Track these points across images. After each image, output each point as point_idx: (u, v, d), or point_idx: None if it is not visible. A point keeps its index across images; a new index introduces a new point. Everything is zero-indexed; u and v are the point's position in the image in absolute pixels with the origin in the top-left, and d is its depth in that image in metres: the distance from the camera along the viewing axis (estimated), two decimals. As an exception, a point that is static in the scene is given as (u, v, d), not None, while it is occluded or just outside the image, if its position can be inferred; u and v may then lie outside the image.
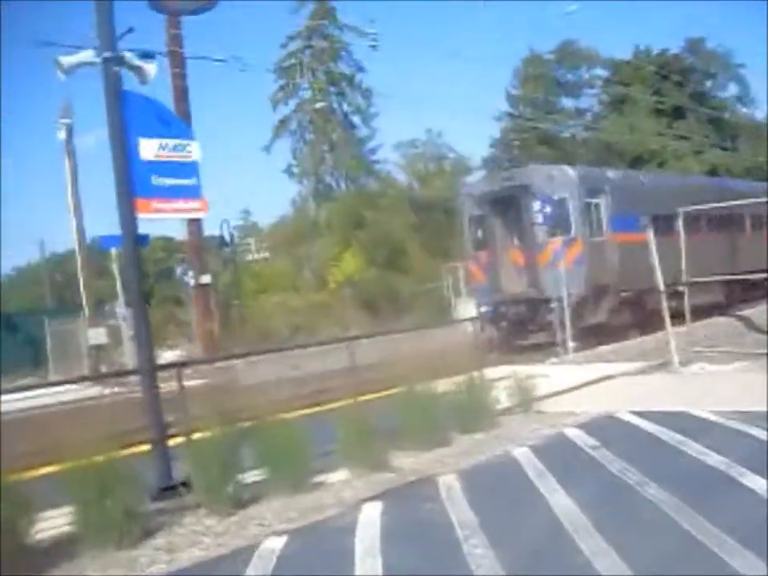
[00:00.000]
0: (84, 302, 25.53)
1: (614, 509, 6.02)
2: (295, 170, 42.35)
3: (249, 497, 7.17)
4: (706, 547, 5.00)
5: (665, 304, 13.18)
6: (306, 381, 14.49)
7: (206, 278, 23.87)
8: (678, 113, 51.90)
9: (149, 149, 7.87)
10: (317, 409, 10.70)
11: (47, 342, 26.37)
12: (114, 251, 24.91)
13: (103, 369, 23.28)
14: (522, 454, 7.90)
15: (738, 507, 5.76)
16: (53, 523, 6.44)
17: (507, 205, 20.25)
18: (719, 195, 21.57)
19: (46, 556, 6.01)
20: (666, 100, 49.81)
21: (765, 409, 8.51)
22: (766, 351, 12.87)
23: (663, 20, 72.91)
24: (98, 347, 24.37)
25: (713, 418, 8.70)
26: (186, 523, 6.67)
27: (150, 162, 7.87)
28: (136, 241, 7.71)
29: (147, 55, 8.22)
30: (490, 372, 10.80)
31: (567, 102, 56.58)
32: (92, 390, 16.13)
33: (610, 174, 23.11)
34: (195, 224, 23.28)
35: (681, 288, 13.91)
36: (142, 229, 7.88)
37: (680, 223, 14.05)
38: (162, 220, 8.59)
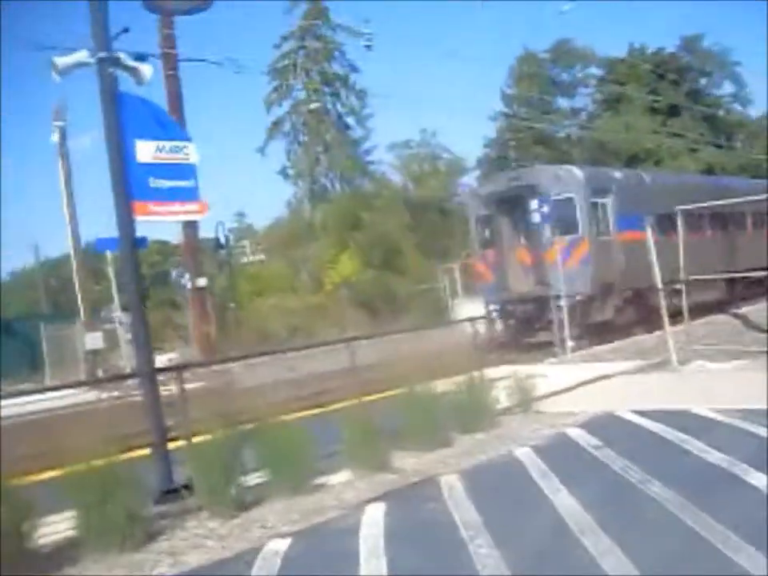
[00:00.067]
0: (80, 307, 25.44)
1: (619, 508, 6.01)
2: (290, 171, 42.35)
3: (251, 499, 7.14)
4: (710, 544, 5.00)
5: (663, 302, 13.17)
6: (304, 383, 14.47)
7: (202, 281, 23.82)
8: (673, 111, 52.00)
9: (146, 151, 7.84)
10: (316, 411, 10.67)
11: (43, 347, 26.29)
12: (109, 255, 24.91)
13: (100, 373, 23.21)
14: (524, 454, 7.89)
15: (742, 504, 5.75)
16: (55, 528, 6.41)
17: (514, 205, 20.40)
18: (720, 194, 21.70)
19: (49, 560, 5.98)
20: (662, 98, 49.91)
21: (765, 407, 8.51)
22: (765, 350, 12.91)
23: (659, 18, 73.20)
24: (95, 352, 24.29)
25: (713, 416, 8.69)
26: (189, 526, 6.64)
27: (147, 165, 7.83)
28: (134, 243, 7.67)
29: (141, 57, 8.18)
30: (489, 372, 10.77)
31: (562, 102, 56.72)
32: (89, 395, 16.06)
33: (616, 174, 23.37)
34: (191, 227, 23.24)
35: (679, 286, 13.89)
36: (136, 232, 7.84)
37: (678, 222, 14.06)
38: (157, 223, 8.52)
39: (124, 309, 25.60)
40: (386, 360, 10.20)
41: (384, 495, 7.02)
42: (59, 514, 6.54)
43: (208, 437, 7.29)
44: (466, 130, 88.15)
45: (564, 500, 6.21)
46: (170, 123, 8.46)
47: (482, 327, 12.14)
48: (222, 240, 32.06)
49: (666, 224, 16.37)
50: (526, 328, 19.78)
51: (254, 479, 7.39)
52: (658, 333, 15.72)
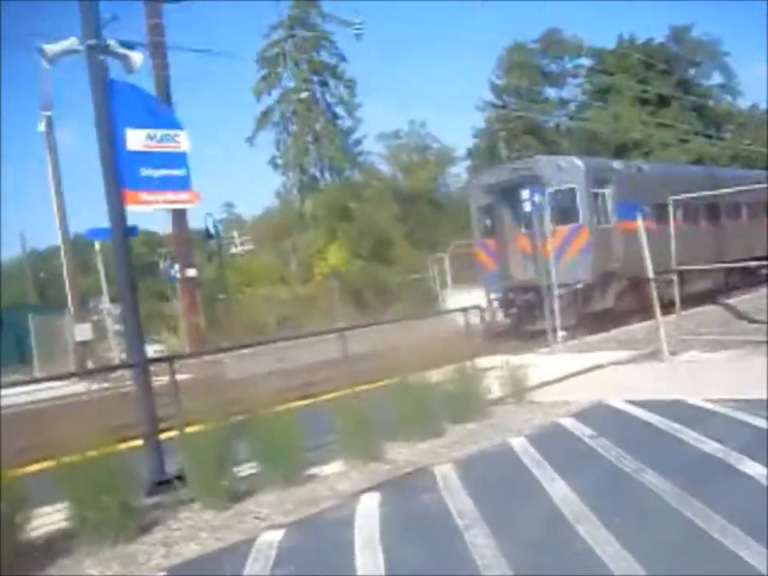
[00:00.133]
0: (69, 298, 25.26)
1: (613, 496, 6.01)
2: (279, 161, 42.13)
3: (244, 490, 7.10)
4: (706, 533, 5.00)
5: (654, 293, 13.18)
6: (295, 373, 14.40)
7: (191, 272, 23.68)
8: (662, 101, 52.06)
9: (136, 139, 7.75)
10: (309, 401, 10.63)
11: (32, 339, 26.12)
12: (97, 246, 24.75)
13: (89, 364, 23.07)
14: (518, 443, 7.87)
15: (737, 493, 5.76)
16: (48, 519, 6.35)
17: (516, 194, 20.46)
18: (717, 184, 22.10)
19: (43, 552, 5.93)
20: (651, 89, 49.95)
21: (756, 396, 8.54)
22: (759, 340, 12.96)
23: (648, 8, 73.17)
24: (84, 343, 24.15)
25: (705, 405, 8.71)
26: (183, 518, 6.60)
27: (138, 153, 7.75)
28: (125, 232, 7.60)
29: (129, 45, 8.09)
30: (480, 362, 10.75)
31: (551, 92, 56.71)
32: (79, 386, 15.96)
33: (615, 164, 23.72)
34: (180, 217, 23.10)
35: (671, 276, 13.92)
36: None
37: (670, 211, 14.08)
38: (144, 213, 8.44)
39: (112, 300, 25.49)
40: (377, 350, 10.17)
41: (378, 485, 6.99)
42: (52, 506, 6.49)
43: (200, 428, 7.25)
44: (455, 120, 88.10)
45: (559, 489, 6.20)
46: (161, 111, 8.39)
47: (474, 317, 12.06)
48: (212, 230, 31.88)
49: (664, 213, 16.52)
50: (527, 316, 19.94)
51: (246, 470, 7.36)
52: (650, 322, 15.78)
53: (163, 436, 7.72)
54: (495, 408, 9.60)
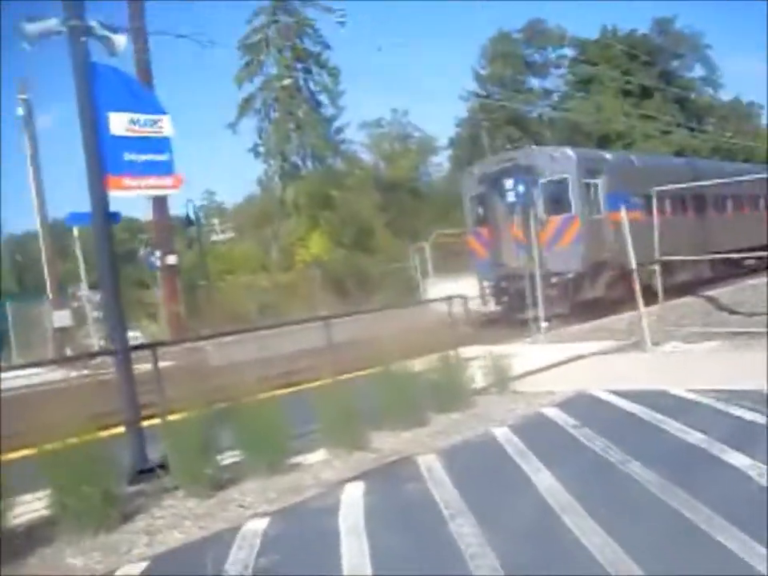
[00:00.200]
0: (47, 284, 25.02)
1: (597, 486, 6.01)
2: (261, 149, 41.83)
3: (227, 478, 7.05)
4: (691, 522, 5.02)
5: (637, 284, 13.22)
6: (278, 361, 14.32)
7: (172, 259, 23.53)
8: (645, 93, 52.24)
9: (119, 123, 7.64)
10: (292, 389, 10.58)
11: (9, 325, 25.84)
12: (76, 232, 24.49)
13: (68, 351, 22.88)
14: (502, 433, 7.87)
15: (721, 483, 5.79)
16: (29, 507, 6.27)
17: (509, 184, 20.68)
18: (705, 176, 22.52)
19: (23, 540, 5.84)
20: (634, 80, 50.10)
21: (738, 387, 8.60)
22: (737, 331, 13.06)
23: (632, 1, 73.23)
24: (63, 330, 23.94)
25: (688, 396, 8.74)
26: (166, 506, 6.54)
27: (121, 138, 7.63)
28: (107, 218, 7.49)
29: (111, 29, 7.96)
30: (463, 352, 10.74)
31: (535, 82, 56.76)
32: (58, 374, 15.80)
33: (607, 155, 24.14)
34: (161, 203, 22.92)
35: (654, 267, 13.97)
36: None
37: (654, 203, 14.12)
38: (124, 199, 8.30)
39: (91, 287, 25.28)
40: (359, 339, 10.13)
41: (362, 474, 6.97)
42: (32, 494, 6.40)
43: (183, 415, 7.18)
44: (438, 109, 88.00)
45: (543, 479, 6.19)
46: (145, 95, 8.26)
47: (459, 307, 12.04)
48: (192, 217, 31.66)
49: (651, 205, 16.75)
50: (519, 304, 20.06)
51: (229, 458, 7.30)
52: (630, 313, 15.86)
53: (145, 423, 7.65)
54: (479, 398, 9.59)
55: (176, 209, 31.90)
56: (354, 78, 65.20)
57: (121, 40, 7.82)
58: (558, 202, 20.22)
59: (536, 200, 19.79)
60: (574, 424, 7.89)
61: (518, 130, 50.12)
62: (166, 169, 7.92)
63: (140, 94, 8.04)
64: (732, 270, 24.47)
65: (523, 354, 12.42)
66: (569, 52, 56.39)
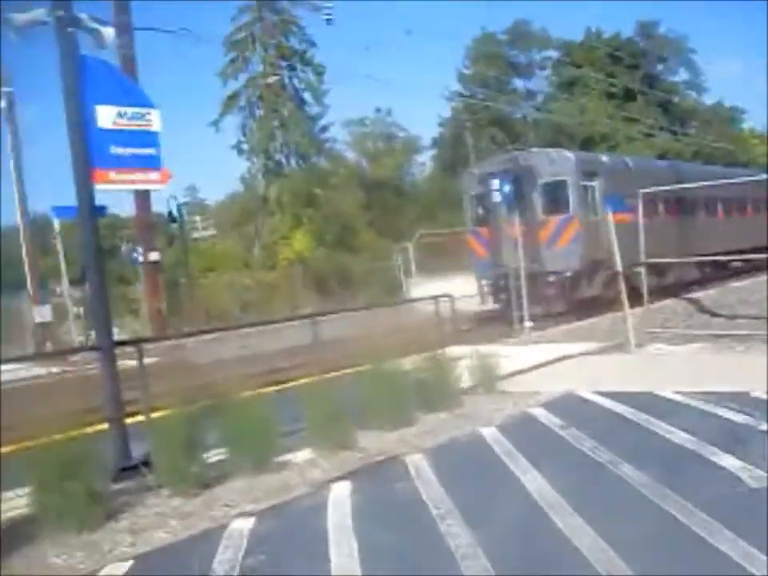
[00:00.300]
0: (28, 279, 24.77)
1: (585, 486, 6.00)
2: (245, 146, 41.64)
3: (212, 477, 6.96)
4: (680, 522, 5.02)
5: (622, 285, 13.25)
6: (262, 359, 14.26)
7: (154, 255, 23.34)
8: (628, 96, 52.50)
9: (106, 117, 7.53)
10: (278, 387, 10.51)
11: (-12, 320, 25.58)
12: (57, 226, 24.30)
13: (49, 347, 22.68)
14: (489, 433, 7.84)
15: (709, 483, 5.79)
16: (9, 505, 6.16)
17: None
18: (696, 178, 22.82)
19: (4, 539, 5.72)
20: (617, 82, 50.34)
21: (720, 389, 8.65)
22: (719, 333, 13.13)
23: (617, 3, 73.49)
24: (43, 325, 23.72)
25: (673, 397, 8.77)
26: (150, 504, 6.46)
27: (108, 131, 7.53)
28: (93, 212, 7.39)
29: (100, 21, 7.86)
30: (448, 352, 10.69)
31: (519, 83, 56.89)
32: (38, 369, 15.65)
33: (603, 158, 24.68)
34: (143, 199, 22.73)
35: (638, 269, 14.03)
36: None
37: (639, 205, 14.17)
38: (104, 195, 8.18)
39: (72, 282, 25.07)
40: (343, 338, 10.08)
41: (349, 474, 6.91)
42: (13, 491, 6.29)
43: (167, 412, 7.10)
44: (422, 109, 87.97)
45: (531, 479, 6.17)
46: (132, 88, 8.15)
47: (445, 306, 12.01)
48: (175, 214, 31.43)
49: (648, 206, 17.00)
50: (516, 303, 20.21)
51: (214, 456, 7.22)
52: (611, 315, 15.95)
53: (129, 421, 7.56)
54: (466, 397, 9.54)
55: (157, 205, 31.65)
56: (339, 77, 65.11)
57: (109, 33, 7.72)
58: (556, 202, 20.61)
59: (535, 201, 20.43)
60: (560, 424, 7.89)
61: (501, 131, 50.22)
62: (153, 163, 7.82)
63: (128, 87, 7.94)
64: (720, 273, 24.75)
65: (508, 355, 12.40)
66: (553, 54, 56.58)
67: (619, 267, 13.18)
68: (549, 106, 52.97)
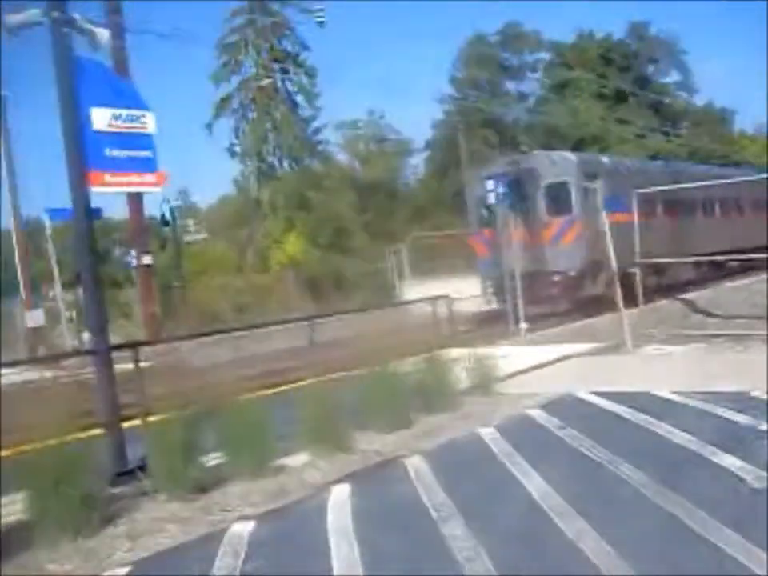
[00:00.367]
0: (20, 283, 24.65)
1: (585, 487, 5.97)
2: (237, 149, 41.59)
3: (210, 481, 6.90)
4: (682, 522, 4.99)
5: (617, 286, 13.25)
6: (258, 362, 14.20)
7: (148, 259, 23.23)
8: (620, 97, 52.60)
9: (102, 119, 7.48)
10: (274, 390, 10.46)
11: (-21, 325, 25.45)
12: (48, 230, 24.17)
13: (41, 351, 22.56)
14: (488, 434, 7.80)
15: (709, 483, 5.77)
16: (4, 511, 6.07)
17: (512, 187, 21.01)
18: (693, 178, 23.04)
19: (0, 544, 5.66)
20: (609, 83, 50.44)
21: (717, 389, 8.65)
22: (714, 333, 13.15)
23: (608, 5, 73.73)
24: (36, 329, 23.61)
25: (671, 397, 8.76)
26: (147, 509, 6.39)
27: (103, 133, 7.48)
28: (89, 214, 7.34)
29: (94, 23, 7.81)
30: (444, 353, 10.65)
31: (510, 85, 56.90)
32: (30, 374, 15.51)
33: (605, 159, 25.20)
34: (137, 202, 22.63)
35: (633, 269, 14.04)
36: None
37: (634, 205, 14.19)
38: (96, 198, 8.11)
39: (64, 285, 24.97)
40: (338, 340, 10.05)
41: (348, 477, 6.87)
42: (8, 497, 6.22)
43: (164, 416, 7.04)
44: (414, 111, 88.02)
45: (531, 480, 6.14)
46: (128, 91, 8.08)
47: (442, 307, 11.98)
48: (168, 217, 31.31)
49: (648, 207, 17.06)
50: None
51: (211, 460, 7.16)
52: (608, 315, 15.91)
53: (125, 425, 7.50)
54: (464, 399, 9.50)
55: (149, 208, 31.48)
56: (332, 79, 65.14)
57: (104, 34, 7.68)
58: (559, 203, 20.88)
59: (539, 202, 20.78)
60: (558, 425, 7.86)
61: (494, 133, 50.22)
62: (148, 165, 7.77)
63: (123, 90, 7.88)
64: (717, 273, 24.84)
65: (504, 356, 12.36)
66: (545, 55, 56.66)
67: (614, 268, 13.17)
68: (541, 107, 53.01)
